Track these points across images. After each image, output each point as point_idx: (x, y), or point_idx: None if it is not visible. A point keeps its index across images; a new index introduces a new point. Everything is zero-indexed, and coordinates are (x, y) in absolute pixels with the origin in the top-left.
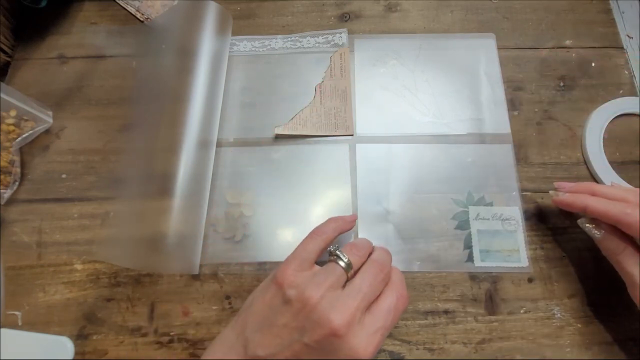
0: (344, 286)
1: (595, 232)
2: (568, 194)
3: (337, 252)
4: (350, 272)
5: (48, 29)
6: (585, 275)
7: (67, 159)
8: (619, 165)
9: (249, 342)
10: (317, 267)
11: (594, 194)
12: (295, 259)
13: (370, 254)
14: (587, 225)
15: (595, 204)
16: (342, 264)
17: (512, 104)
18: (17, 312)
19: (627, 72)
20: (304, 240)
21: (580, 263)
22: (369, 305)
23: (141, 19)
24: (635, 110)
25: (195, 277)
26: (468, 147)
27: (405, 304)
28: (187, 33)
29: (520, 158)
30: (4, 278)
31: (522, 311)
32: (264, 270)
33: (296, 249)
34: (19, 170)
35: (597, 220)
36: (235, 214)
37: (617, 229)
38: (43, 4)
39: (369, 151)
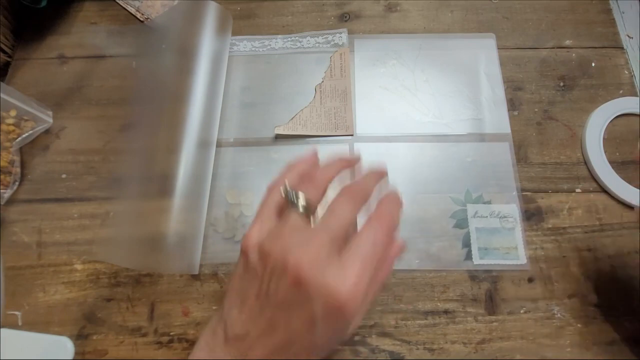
0: None
1: None
2: None
3: (290, 196)
4: (309, 212)
5: (48, 29)
6: (585, 275)
7: (67, 159)
8: (619, 165)
9: (227, 324)
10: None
11: None
12: (255, 223)
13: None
14: None
15: None
16: (298, 209)
17: (512, 104)
18: (17, 312)
19: (627, 72)
20: (262, 200)
21: (580, 263)
22: (343, 239)
23: (141, 19)
24: (635, 110)
25: (195, 277)
26: (468, 147)
27: (387, 229)
28: (187, 33)
29: (520, 158)
30: (4, 278)
31: (522, 311)
32: None
33: (253, 220)
34: (19, 170)
35: None
36: (235, 214)
37: None
38: (43, 4)
39: (369, 151)
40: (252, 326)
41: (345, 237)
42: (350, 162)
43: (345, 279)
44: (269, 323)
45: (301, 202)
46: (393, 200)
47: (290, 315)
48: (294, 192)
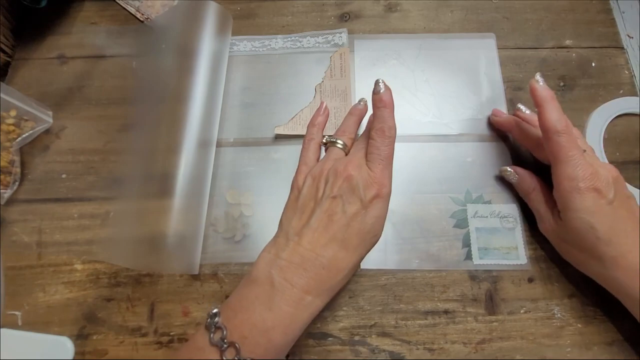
0: None
1: (513, 176)
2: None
3: (331, 139)
4: (347, 149)
5: (48, 29)
6: (585, 276)
7: (67, 159)
8: (619, 165)
9: (288, 230)
10: None
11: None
12: (301, 165)
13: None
14: (509, 170)
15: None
16: (338, 145)
17: (512, 104)
18: (17, 312)
19: (627, 72)
20: (301, 154)
21: None
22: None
23: (141, 19)
24: (635, 110)
25: (195, 277)
26: (468, 147)
27: (386, 139)
28: (187, 33)
29: (520, 158)
30: (4, 278)
31: (522, 311)
32: None
33: (299, 166)
34: (19, 170)
35: (514, 167)
36: (235, 214)
37: (529, 173)
38: (43, 4)
39: None
40: (313, 220)
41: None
42: (363, 112)
43: (375, 172)
44: (328, 214)
45: (339, 141)
46: (384, 116)
47: (345, 202)
48: (333, 137)
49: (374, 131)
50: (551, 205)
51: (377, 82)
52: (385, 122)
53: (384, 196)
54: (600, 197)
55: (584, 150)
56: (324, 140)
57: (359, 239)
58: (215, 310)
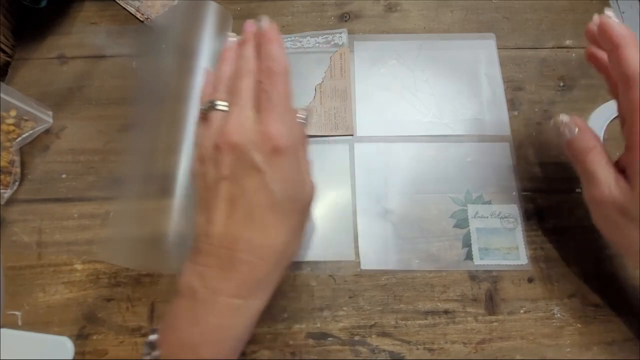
0: None
1: (569, 130)
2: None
3: (210, 103)
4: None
5: (48, 29)
6: (585, 275)
7: (67, 159)
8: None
9: (199, 236)
10: None
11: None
12: (194, 157)
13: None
14: (566, 120)
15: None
16: (220, 107)
17: (512, 104)
18: (17, 312)
19: None
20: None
21: (580, 263)
22: (254, 99)
23: (141, 19)
24: None
25: None
26: (468, 147)
27: (278, 83)
28: (187, 33)
29: (520, 158)
30: (4, 278)
31: (522, 311)
32: None
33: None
34: (19, 170)
35: (574, 117)
36: None
37: (589, 129)
38: (43, 4)
39: (369, 151)
40: (215, 214)
41: (253, 96)
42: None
43: (265, 124)
44: (229, 200)
45: (220, 103)
46: (272, 52)
47: (241, 179)
48: (211, 103)
49: (259, 73)
50: (615, 170)
51: (257, 19)
52: (274, 59)
53: (284, 149)
54: None
55: None
56: (201, 107)
57: (274, 214)
58: (154, 328)
